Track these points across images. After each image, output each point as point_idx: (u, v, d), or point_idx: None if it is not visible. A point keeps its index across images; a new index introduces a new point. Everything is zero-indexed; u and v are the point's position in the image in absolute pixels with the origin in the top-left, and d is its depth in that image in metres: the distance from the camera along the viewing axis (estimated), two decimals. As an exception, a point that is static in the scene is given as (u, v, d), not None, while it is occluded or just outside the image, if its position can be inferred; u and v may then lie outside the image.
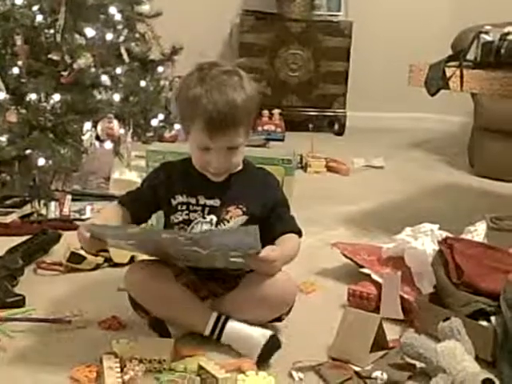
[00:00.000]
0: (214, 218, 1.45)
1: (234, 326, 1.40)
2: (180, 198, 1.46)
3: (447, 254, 1.60)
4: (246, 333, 1.39)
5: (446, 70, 1.92)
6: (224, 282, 1.48)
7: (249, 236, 1.29)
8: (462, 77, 1.88)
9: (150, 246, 1.43)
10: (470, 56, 1.95)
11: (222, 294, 1.47)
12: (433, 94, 1.95)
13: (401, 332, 1.51)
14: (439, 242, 1.66)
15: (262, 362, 1.36)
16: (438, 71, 1.91)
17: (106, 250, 1.78)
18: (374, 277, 1.70)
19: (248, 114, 1.41)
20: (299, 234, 1.50)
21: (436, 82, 1.91)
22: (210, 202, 1.45)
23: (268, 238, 1.34)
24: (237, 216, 1.44)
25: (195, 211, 1.45)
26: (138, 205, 1.51)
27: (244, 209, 1.45)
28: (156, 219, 1.66)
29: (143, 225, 1.57)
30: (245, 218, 1.45)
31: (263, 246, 1.34)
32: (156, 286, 1.41)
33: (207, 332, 1.40)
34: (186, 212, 1.46)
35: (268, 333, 1.38)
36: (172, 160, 1.62)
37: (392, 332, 1.50)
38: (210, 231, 1.41)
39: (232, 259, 1.36)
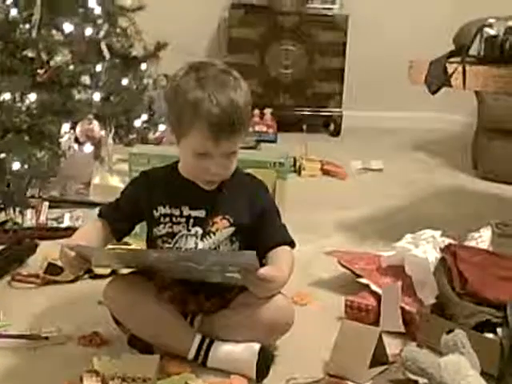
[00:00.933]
0: (200, 231, 1.44)
1: (219, 348, 1.39)
2: (162, 210, 1.46)
3: (450, 262, 1.60)
4: (234, 353, 1.38)
5: (448, 66, 1.93)
6: (215, 297, 1.47)
7: (246, 258, 1.30)
8: (464, 73, 1.89)
9: (139, 264, 1.44)
10: (473, 51, 1.96)
11: (213, 311, 1.46)
12: (434, 92, 1.96)
13: (402, 346, 1.52)
14: (441, 250, 1.66)
15: (262, 379, 1.37)
16: (439, 68, 1.92)
17: (90, 270, 1.78)
18: (373, 287, 1.70)
19: (248, 116, 1.43)
20: (292, 244, 1.49)
21: (437, 79, 1.92)
22: (194, 213, 1.45)
23: (257, 250, 1.34)
24: (223, 228, 1.44)
25: (179, 223, 1.45)
26: (118, 219, 1.50)
27: (231, 220, 1.45)
28: (139, 227, 1.66)
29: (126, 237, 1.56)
30: (232, 229, 1.45)
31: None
32: (137, 305, 1.41)
33: (190, 356, 1.40)
34: (170, 224, 1.45)
35: (256, 347, 1.38)
36: (154, 167, 1.62)
37: (392, 346, 1.50)
38: (204, 251, 1.41)
39: (228, 274, 1.36)
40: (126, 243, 1.86)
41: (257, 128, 3.53)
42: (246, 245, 1.45)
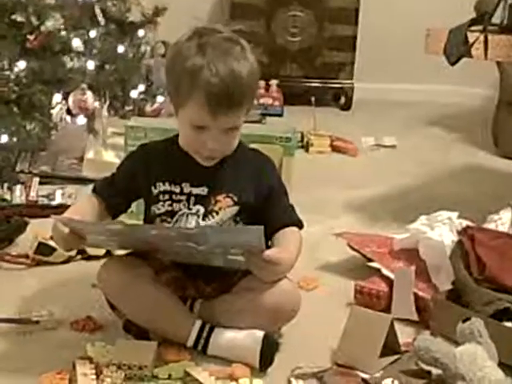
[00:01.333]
0: (201, 209, 1.44)
1: (220, 335, 1.39)
2: (162, 187, 1.45)
3: (467, 245, 1.60)
4: (236, 341, 1.38)
5: (469, 35, 1.91)
6: (215, 282, 1.47)
7: (252, 235, 1.29)
8: (486, 43, 1.88)
9: (137, 242, 1.43)
10: (496, 19, 1.95)
11: (213, 296, 1.46)
12: (453, 63, 1.94)
13: (414, 334, 1.52)
14: (458, 232, 1.66)
15: (266, 368, 1.37)
16: (460, 36, 1.91)
17: (84, 251, 1.78)
18: (385, 271, 1.70)
19: (252, 90, 1.41)
20: (300, 225, 1.49)
21: (457, 48, 1.91)
22: (196, 191, 1.44)
23: (264, 231, 1.34)
24: (227, 207, 1.44)
25: (179, 201, 1.44)
26: (114, 195, 1.50)
27: (235, 198, 1.44)
28: (136, 206, 1.66)
29: (122, 216, 1.56)
30: (236, 208, 1.44)
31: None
32: (133, 287, 1.41)
33: (190, 343, 1.40)
34: (169, 202, 1.45)
35: (259, 334, 1.38)
36: (152, 140, 1.61)
37: (404, 334, 1.50)
38: (207, 227, 1.41)
39: (231, 257, 1.36)
40: (122, 222, 1.86)
41: (262, 100, 3.52)
42: (250, 225, 1.44)
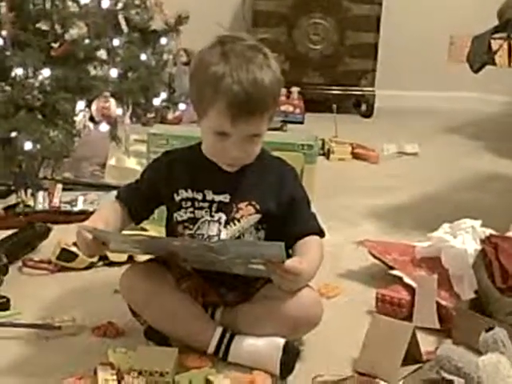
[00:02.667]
0: (223, 217, 1.44)
1: (241, 343, 1.39)
2: (184, 193, 1.46)
3: (491, 254, 1.59)
4: (257, 348, 1.38)
5: (492, 42, 1.90)
6: (237, 289, 1.47)
7: (273, 250, 1.30)
8: (510, 50, 1.87)
9: (159, 250, 1.44)
10: (520, 26, 1.93)
11: (235, 304, 1.46)
12: (476, 71, 1.94)
13: (437, 343, 1.51)
14: (482, 241, 1.65)
15: (286, 375, 1.37)
16: (483, 44, 1.90)
17: (105, 257, 1.79)
18: (407, 280, 1.69)
19: (274, 98, 1.40)
20: (321, 234, 1.49)
21: (480, 56, 1.90)
22: (218, 198, 1.44)
23: (285, 239, 1.34)
24: (248, 214, 1.43)
25: (201, 208, 1.44)
26: (137, 201, 1.50)
27: (257, 206, 1.44)
28: (158, 212, 1.67)
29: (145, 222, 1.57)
30: (258, 216, 1.44)
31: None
32: (155, 296, 1.41)
33: (211, 350, 1.40)
34: (191, 209, 1.45)
35: (281, 342, 1.38)
36: (176, 148, 1.62)
37: (426, 343, 1.49)
38: (228, 241, 1.41)
39: (252, 266, 1.36)
40: (143, 228, 1.87)
41: (283, 108, 3.52)
42: (272, 233, 1.44)
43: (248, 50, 1.38)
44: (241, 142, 1.39)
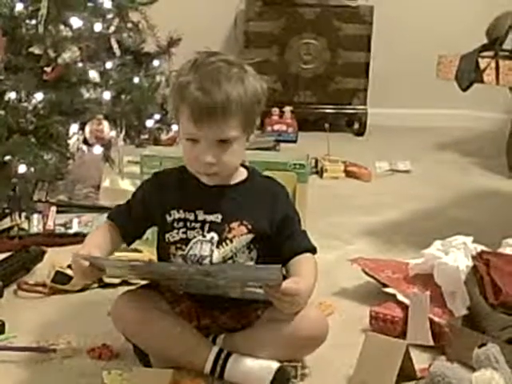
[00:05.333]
0: (215, 237, 1.44)
1: (236, 361, 1.39)
2: (176, 214, 1.46)
3: (483, 270, 1.60)
4: (250, 368, 1.38)
5: (480, 61, 1.92)
6: (230, 311, 1.47)
7: (270, 273, 1.30)
8: (497, 69, 1.88)
9: (156, 276, 1.45)
10: (507, 45, 1.95)
11: (231, 328, 1.46)
12: (465, 89, 1.95)
13: (430, 360, 1.51)
14: (473, 257, 1.66)
15: None
16: (471, 63, 1.92)
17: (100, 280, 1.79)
18: (400, 297, 1.70)
19: (244, 110, 1.39)
20: (313, 251, 1.49)
21: (468, 74, 1.92)
22: (210, 218, 1.45)
23: (277, 259, 1.34)
24: (241, 235, 1.44)
25: (193, 228, 1.45)
26: (128, 222, 1.51)
27: (249, 226, 1.44)
28: (151, 233, 1.67)
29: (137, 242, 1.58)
30: (250, 236, 1.44)
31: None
32: (148, 325, 1.40)
33: (207, 370, 1.40)
34: (184, 230, 1.45)
35: (274, 366, 1.38)
36: (166, 168, 1.62)
37: (420, 360, 1.49)
38: (225, 265, 1.41)
39: (248, 289, 1.37)
40: (137, 250, 1.88)
41: (276, 127, 3.54)
42: (264, 252, 1.45)
43: (221, 62, 1.40)
44: (209, 147, 1.39)
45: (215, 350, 1.41)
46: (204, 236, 1.45)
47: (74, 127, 2.29)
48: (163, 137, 2.67)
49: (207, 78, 1.37)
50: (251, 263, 1.45)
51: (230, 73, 1.39)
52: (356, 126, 3.82)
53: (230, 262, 1.43)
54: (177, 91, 1.41)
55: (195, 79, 1.38)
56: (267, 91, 1.45)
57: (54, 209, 2.23)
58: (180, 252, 1.45)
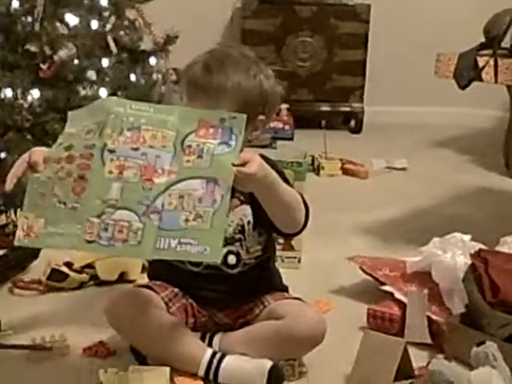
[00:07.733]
0: None
1: (230, 363, 1.38)
2: None
3: (481, 268, 1.59)
4: (243, 369, 1.37)
5: (478, 59, 1.92)
6: (228, 308, 1.47)
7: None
8: (496, 67, 1.88)
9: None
10: (506, 43, 1.95)
11: (228, 325, 1.46)
12: (463, 87, 1.95)
13: (428, 358, 1.51)
14: (471, 255, 1.65)
15: None
16: (469, 61, 1.92)
17: (92, 267, 1.78)
18: (398, 295, 1.69)
19: (241, 99, 1.36)
20: (306, 209, 1.44)
21: (467, 72, 1.92)
22: None
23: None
24: (235, 207, 1.43)
25: None
26: None
27: (241, 197, 1.44)
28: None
29: None
30: (245, 207, 1.44)
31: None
32: (142, 326, 1.39)
33: (201, 372, 1.39)
34: None
35: (267, 364, 1.37)
36: None
37: (418, 358, 1.49)
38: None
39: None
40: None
41: (272, 124, 3.52)
42: (266, 224, 1.43)
43: (237, 52, 1.41)
44: None
45: (209, 352, 1.40)
46: None
47: (70, 125, 2.28)
48: (160, 134, 2.66)
49: (214, 60, 1.38)
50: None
51: (239, 61, 1.39)
52: (352, 123, 3.82)
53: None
54: (184, 70, 1.41)
55: (204, 59, 1.39)
56: (281, 98, 1.43)
57: (50, 206, 2.22)
58: None
